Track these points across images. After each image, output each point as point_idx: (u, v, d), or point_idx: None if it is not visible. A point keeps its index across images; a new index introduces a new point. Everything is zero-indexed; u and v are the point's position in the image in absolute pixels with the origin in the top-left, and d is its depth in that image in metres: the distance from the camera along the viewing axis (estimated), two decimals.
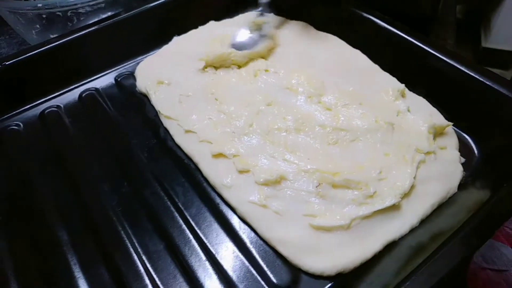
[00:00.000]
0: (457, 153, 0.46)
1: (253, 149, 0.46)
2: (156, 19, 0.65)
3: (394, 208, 0.40)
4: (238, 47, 0.58)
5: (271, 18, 0.64)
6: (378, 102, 0.50)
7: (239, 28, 0.61)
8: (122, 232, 0.42)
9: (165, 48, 0.63)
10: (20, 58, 0.56)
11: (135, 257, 0.40)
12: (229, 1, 0.69)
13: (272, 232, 0.40)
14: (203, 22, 0.66)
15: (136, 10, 0.63)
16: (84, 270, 0.40)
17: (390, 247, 0.39)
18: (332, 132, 0.47)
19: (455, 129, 0.49)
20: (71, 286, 0.39)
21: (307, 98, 0.51)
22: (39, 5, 0.61)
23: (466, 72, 0.48)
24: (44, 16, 0.68)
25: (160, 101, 0.54)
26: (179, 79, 0.57)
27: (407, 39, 0.54)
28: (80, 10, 0.70)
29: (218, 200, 0.44)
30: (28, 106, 0.57)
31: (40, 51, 0.57)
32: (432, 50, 0.51)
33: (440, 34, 0.74)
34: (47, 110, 0.57)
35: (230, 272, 0.38)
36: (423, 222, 0.41)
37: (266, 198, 0.42)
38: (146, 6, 0.64)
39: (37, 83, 0.58)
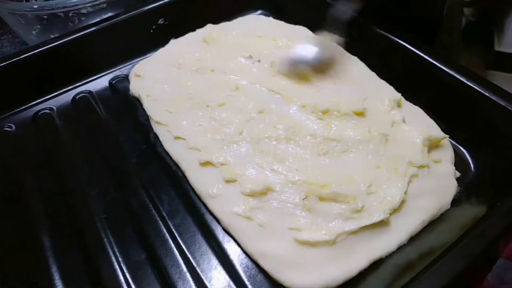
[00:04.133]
0: (452, 167, 0.44)
1: (242, 158, 0.45)
2: (153, 21, 0.64)
3: (382, 224, 0.39)
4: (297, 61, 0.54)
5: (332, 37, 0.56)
6: (373, 112, 0.48)
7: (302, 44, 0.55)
8: (105, 239, 0.42)
9: (161, 51, 0.62)
10: (15, 59, 0.56)
11: (116, 266, 0.40)
12: (227, 5, 0.68)
13: (255, 245, 0.39)
14: (201, 24, 0.65)
15: (133, 12, 0.63)
16: (64, 278, 0.39)
17: (376, 264, 0.38)
18: (323, 142, 0.45)
19: (452, 141, 0.47)
20: None
21: (301, 106, 0.50)
22: (35, 6, 0.61)
23: (466, 83, 0.47)
24: (45, 17, 0.68)
25: (152, 106, 0.53)
26: (173, 83, 0.56)
27: (406, 47, 0.52)
28: (82, 11, 0.70)
29: (203, 209, 0.43)
30: (22, 107, 0.57)
31: (35, 52, 0.57)
32: (432, 59, 0.50)
33: (445, 39, 0.72)
34: (40, 112, 0.56)
35: (210, 286, 0.38)
36: (413, 239, 0.39)
37: (251, 210, 0.41)
38: (143, 8, 0.63)
39: (32, 85, 0.58)
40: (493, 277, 0.49)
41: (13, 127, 0.55)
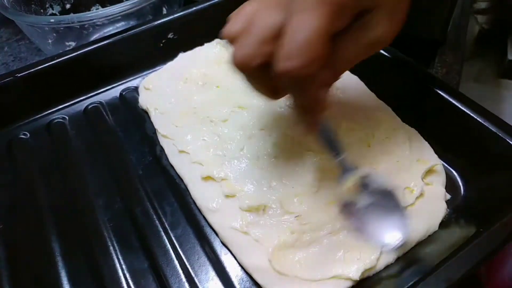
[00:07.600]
0: (442, 190, 0.46)
1: (241, 173, 0.48)
2: (163, 35, 0.67)
3: None
4: None
5: None
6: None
7: None
8: (111, 247, 0.45)
9: (170, 64, 0.65)
10: (31, 70, 0.59)
11: (120, 273, 0.42)
12: None
13: (250, 259, 0.41)
14: (209, 39, 0.68)
15: (144, 26, 0.65)
16: (72, 282, 0.42)
17: (362, 281, 0.40)
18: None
19: (444, 164, 0.49)
20: None
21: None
22: (52, 20, 0.64)
23: (461, 109, 0.48)
24: (61, 28, 0.71)
25: (159, 120, 0.56)
26: (179, 97, 0.58)
27: (406, 69, 0.54)
28: (97, 23, 0.73)
29: (203, 222, 0.46)
30: (37, 116, 0.60)
31: (50, 64, 0.60)
32: (430, 84, 0.51)
33: (447, 57, 0.73)
34: (53, 121, 0.60)
35: None
36: (399, 259, 0.41)
37: (248, 225, 0.43)
38: (153, 23, 0.66)
39: (47, 95, 0.61)
40: None
41: (28, 134, 0.58)
